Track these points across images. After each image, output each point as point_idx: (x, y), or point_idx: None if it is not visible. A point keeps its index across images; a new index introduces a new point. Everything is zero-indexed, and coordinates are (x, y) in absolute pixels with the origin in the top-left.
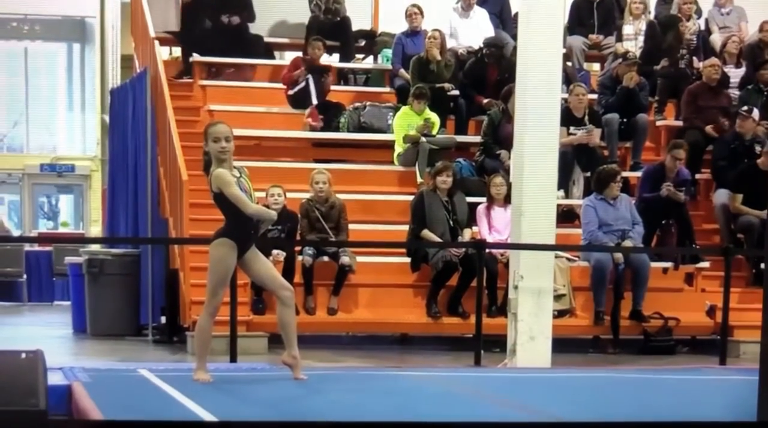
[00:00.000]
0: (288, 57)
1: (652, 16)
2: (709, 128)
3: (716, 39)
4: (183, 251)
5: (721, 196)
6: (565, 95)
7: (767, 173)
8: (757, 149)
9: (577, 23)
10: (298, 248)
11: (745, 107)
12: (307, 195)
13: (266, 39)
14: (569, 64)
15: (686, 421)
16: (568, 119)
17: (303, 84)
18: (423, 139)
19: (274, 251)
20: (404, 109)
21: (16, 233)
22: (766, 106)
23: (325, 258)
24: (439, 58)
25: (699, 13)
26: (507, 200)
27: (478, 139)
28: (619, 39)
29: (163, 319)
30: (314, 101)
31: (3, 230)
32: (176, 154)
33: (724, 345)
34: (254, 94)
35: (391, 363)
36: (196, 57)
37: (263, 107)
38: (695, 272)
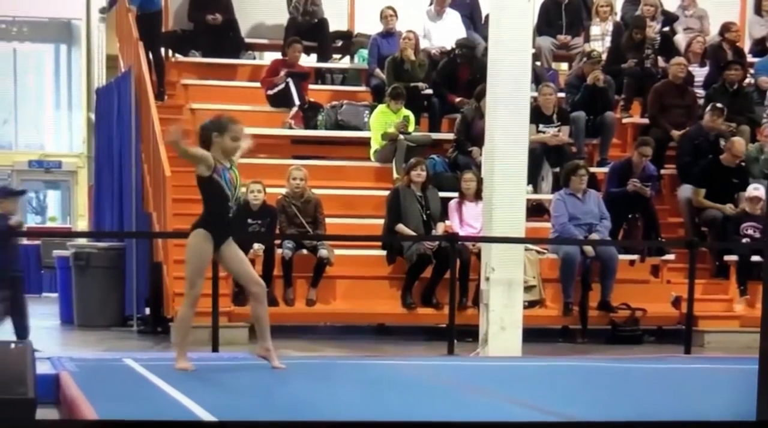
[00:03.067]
0: (267, 57)
1: (618, 17)
2: (675, 134)
3: (680, 39)
4: (166, 245)
5: (685, 191)
6: (534, 94)
7: (730, 168)
8: (722, 144)
9: (545, 24)
10: (277, 242)
11: (719, 104)
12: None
13: (246, 40)
14: (538, 63)
15: (686, 421)
16: (537, 116)
17: (283, 85)
18: (401, 136)
19: (255, 245)
20: (381, 107)
21: None
22: (731, 105)
23: (304, 251)
24: (413, 58)
25: (665, 14)
26: (478, 194)
27: (451, 136)
28: (587, 39)
29: (147, 310)
30: (296, 102)
31: None
32: (159, 151)
33: (689, 335)
34: (235, 93)
35: (367, 352)
36: (178, 57)
37: (244, 105)
38: (661, 264)
